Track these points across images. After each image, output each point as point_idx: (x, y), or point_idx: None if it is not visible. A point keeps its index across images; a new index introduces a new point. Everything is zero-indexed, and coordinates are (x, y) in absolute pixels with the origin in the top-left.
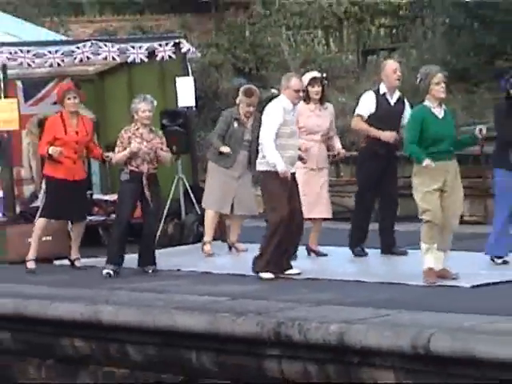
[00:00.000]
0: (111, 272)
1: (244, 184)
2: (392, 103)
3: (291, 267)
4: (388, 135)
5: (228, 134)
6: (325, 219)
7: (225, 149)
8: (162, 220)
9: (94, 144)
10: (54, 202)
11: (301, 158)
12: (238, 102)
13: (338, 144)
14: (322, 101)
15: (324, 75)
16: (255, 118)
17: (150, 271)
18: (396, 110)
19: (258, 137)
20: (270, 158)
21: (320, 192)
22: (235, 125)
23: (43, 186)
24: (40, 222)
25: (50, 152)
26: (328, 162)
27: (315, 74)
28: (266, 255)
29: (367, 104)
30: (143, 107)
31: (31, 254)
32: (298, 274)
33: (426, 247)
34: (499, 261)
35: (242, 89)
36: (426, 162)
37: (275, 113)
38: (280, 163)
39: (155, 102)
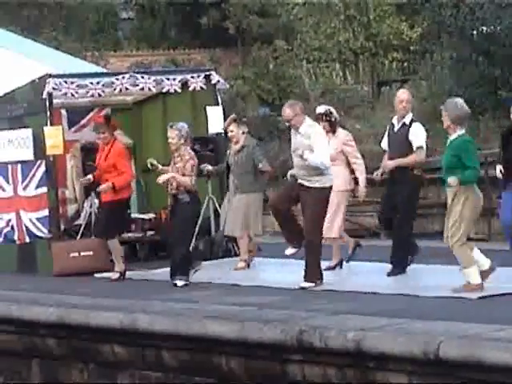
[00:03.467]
0: (186, 283)
1: (233, 206)
2: (396, 129)
3: None
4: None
5: None
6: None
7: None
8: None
9: (113, 169)
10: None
11: None
12: None
13: (358, 174)
14: (332, 131)
15: (328, 109)
16: (246, 140)
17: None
18: (397, 136)
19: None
20: None
21: (331, 213)
22: (227, 152)
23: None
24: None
25: None
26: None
27: (321, 109)
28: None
29: (384, 137)
30: (168, 134)
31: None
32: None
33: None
34: None
35: None
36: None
37: None
38: None
39: (184, 128)
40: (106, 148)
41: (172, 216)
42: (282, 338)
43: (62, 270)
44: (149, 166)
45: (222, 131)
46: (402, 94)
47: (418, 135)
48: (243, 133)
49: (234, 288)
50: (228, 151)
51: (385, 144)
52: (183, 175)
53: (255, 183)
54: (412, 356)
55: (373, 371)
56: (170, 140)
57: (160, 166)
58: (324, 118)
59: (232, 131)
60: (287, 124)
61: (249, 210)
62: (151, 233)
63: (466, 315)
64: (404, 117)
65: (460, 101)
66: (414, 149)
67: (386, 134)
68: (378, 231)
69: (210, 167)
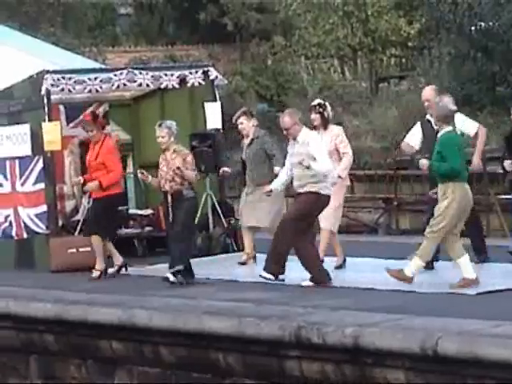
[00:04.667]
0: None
1: (253, 199)
2: (435, 127)
3: None
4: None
5: None
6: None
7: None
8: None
9: (103, 167)
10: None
11: None
12: None
13: (339, 166)
14: (323, 126)
15: (323, 102)
16: (254, 135)
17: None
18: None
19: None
20: None
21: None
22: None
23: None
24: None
25: None
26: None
27: (316, 101)
28: None
29: (411, 133)
30: (157, 133)
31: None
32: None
33: None
34: None
35: None
36: None
37: None
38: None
39: (173, 125)
40: (97, 146)
41: (175, 211)
42: (279, 334)
43: (60, 265)
44: (139, 175)
45: (221, 127)
46: (424, 92)
47: (465, 121)
48: (253, 125)
49: (231, 284)
50: (242, 146)
51: (416, 141)
52: (186, 169)
53: (269, 174)
54: (410, 352)
55: (371, 367)
56: (159, 139)
57: (150, 177)
58: (317, 108)
59: (242, 123)
60: (284, 132)
61: (261, 203)
62: (149, 229)
63: (464, 311)
64: None
65: (445, 99)
66: (472, 135)
67: (419, 131)
68: (376, 227)
69: (226, 169)
